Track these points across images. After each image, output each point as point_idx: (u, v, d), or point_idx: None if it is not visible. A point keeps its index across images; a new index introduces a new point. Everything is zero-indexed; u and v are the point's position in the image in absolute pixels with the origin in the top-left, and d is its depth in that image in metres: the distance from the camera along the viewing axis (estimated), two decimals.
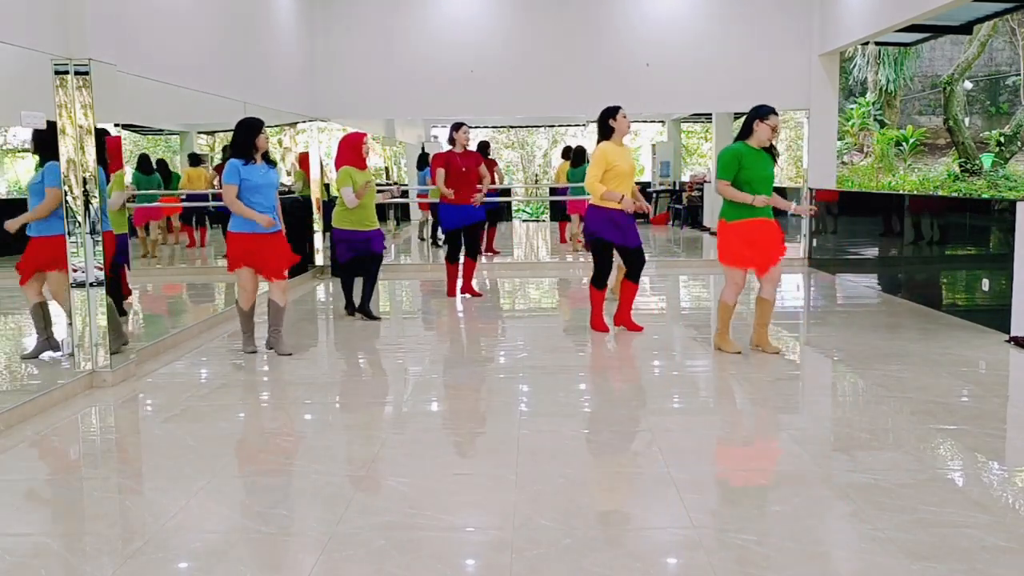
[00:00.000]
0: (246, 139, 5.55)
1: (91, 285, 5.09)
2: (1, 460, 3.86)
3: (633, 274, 6.10)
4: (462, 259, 8.02)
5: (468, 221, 7.81)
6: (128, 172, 10.85)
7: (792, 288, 8.92)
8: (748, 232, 5.28)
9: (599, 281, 6.23)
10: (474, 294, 8.09)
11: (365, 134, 6.91)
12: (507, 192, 19.17)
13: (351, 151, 6.73)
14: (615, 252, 6.14)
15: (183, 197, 11.49)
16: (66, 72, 4.94)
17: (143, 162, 11.26)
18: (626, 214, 5.92)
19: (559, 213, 14.02)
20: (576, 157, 11.76)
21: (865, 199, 10.85)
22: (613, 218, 5.92)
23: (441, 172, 7.70)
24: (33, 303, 5.45)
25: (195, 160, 11.59)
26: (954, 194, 14.44)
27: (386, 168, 19.14)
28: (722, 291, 5.53)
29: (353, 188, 6.58)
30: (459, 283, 8.05)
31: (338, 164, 6.79)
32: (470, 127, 8.01)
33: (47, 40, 4.88)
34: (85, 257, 5.06)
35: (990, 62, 22.49)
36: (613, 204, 5.84)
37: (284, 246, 5.67)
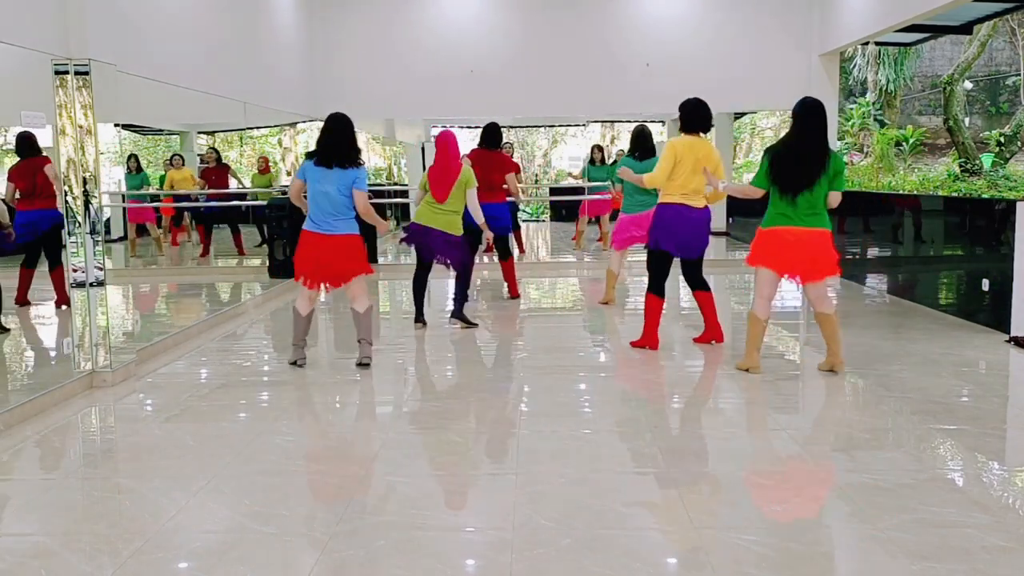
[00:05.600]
0: (355, 140, 5.18)
1: (91, 285, 5.09)
2: (1, 460, 3.86)
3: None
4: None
5: None
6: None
7: (792, 288, 8.91)
8: None
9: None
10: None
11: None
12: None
13: (455, 150, 6.35)
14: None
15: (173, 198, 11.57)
16: (66, 72, 4.95)
17: (128, 162, 11.34)
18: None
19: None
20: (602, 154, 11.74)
21: (865, 199, 10.85)
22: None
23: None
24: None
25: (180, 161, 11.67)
26: (954, 194, 14.43)
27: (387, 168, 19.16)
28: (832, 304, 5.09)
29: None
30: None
31: (457, 164, 6.33)
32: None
33: (47, 40, 4.87)
34: (85, 257, 5.06)
35: (990, 62, 22.49)
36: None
37: None
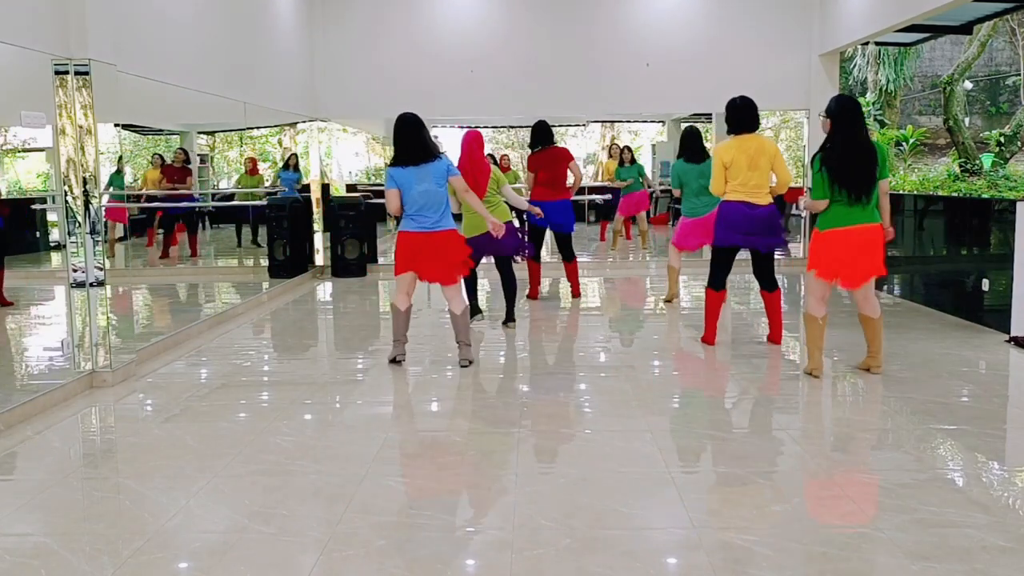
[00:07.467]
0: (428, 132, 5.35)
1: (91, 285, 5.09)
2: (1, 460, 3.86)
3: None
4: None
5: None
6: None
7: (792, 288, 8.92)
8: None
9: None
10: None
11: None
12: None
13: (481, 151, 6.36)
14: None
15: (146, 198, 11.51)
16: (66, 72, 4.95)
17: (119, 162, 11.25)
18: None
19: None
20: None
21: None
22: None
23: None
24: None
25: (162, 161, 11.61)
26: (954, 194, 14.44)
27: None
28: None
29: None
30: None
31: (486, 163, 6.36)
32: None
33: (47, 40, 4.87)
34: (85, 257, 5.06)
35: (990, 62, 22.49)
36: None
37: None
